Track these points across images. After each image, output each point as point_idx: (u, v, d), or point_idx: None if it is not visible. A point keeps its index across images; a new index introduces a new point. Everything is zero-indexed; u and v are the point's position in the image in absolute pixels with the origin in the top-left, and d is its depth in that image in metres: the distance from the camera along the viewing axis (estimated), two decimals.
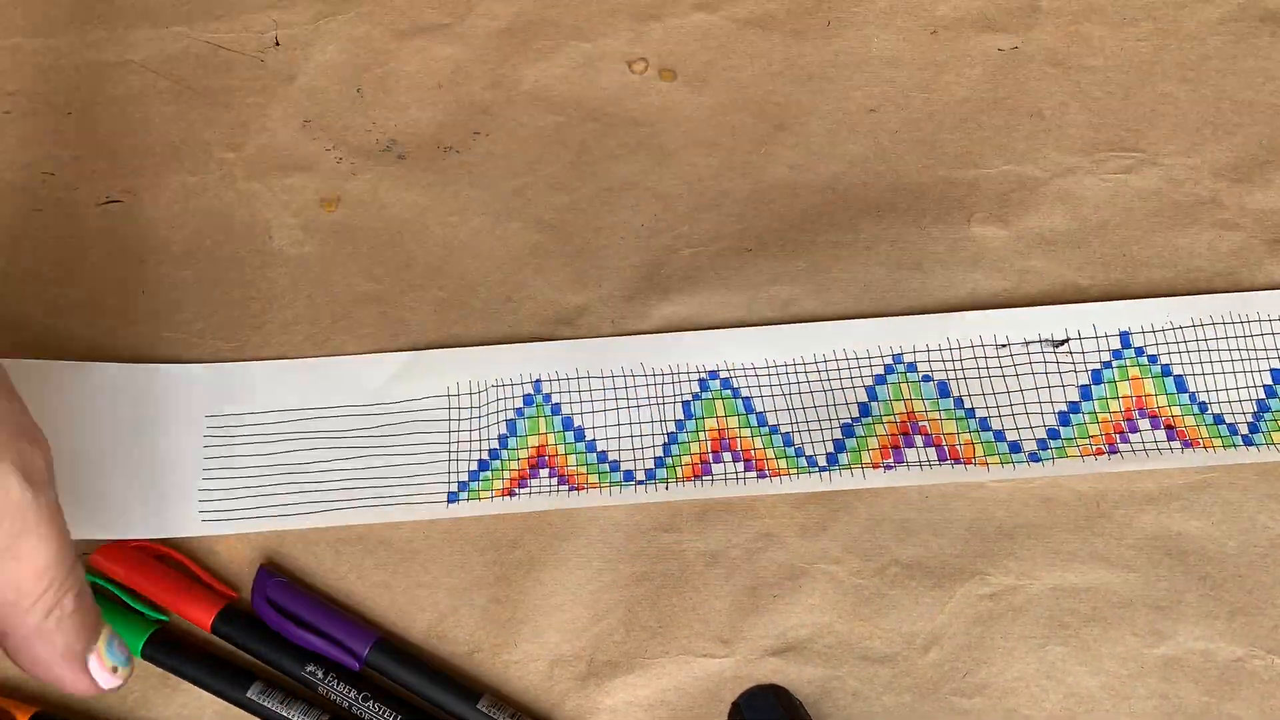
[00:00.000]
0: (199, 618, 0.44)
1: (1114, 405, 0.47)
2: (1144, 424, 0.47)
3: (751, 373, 0.48)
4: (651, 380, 0.48)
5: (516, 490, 0.46)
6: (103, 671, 0.36)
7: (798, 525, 0.46)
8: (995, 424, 0.47)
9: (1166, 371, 0.48)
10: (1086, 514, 0.46)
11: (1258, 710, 0.43)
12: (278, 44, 0.54)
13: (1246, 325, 0.48)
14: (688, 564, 0.45)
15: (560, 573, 0.45)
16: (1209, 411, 0.47)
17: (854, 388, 0.48)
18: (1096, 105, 0.52)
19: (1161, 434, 0.47)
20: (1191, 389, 0.47)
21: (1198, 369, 0.48)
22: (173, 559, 0.45)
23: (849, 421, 0.47)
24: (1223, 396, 0.47)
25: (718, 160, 0.52)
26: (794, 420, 0.47)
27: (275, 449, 0.47)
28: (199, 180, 0.51)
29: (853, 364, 0.48)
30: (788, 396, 0.47)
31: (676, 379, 0.48)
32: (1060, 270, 0.50)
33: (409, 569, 0.45)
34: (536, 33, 0.54)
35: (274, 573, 0.44)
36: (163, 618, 0.44)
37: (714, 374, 0.48)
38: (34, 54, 0.54)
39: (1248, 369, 0.48)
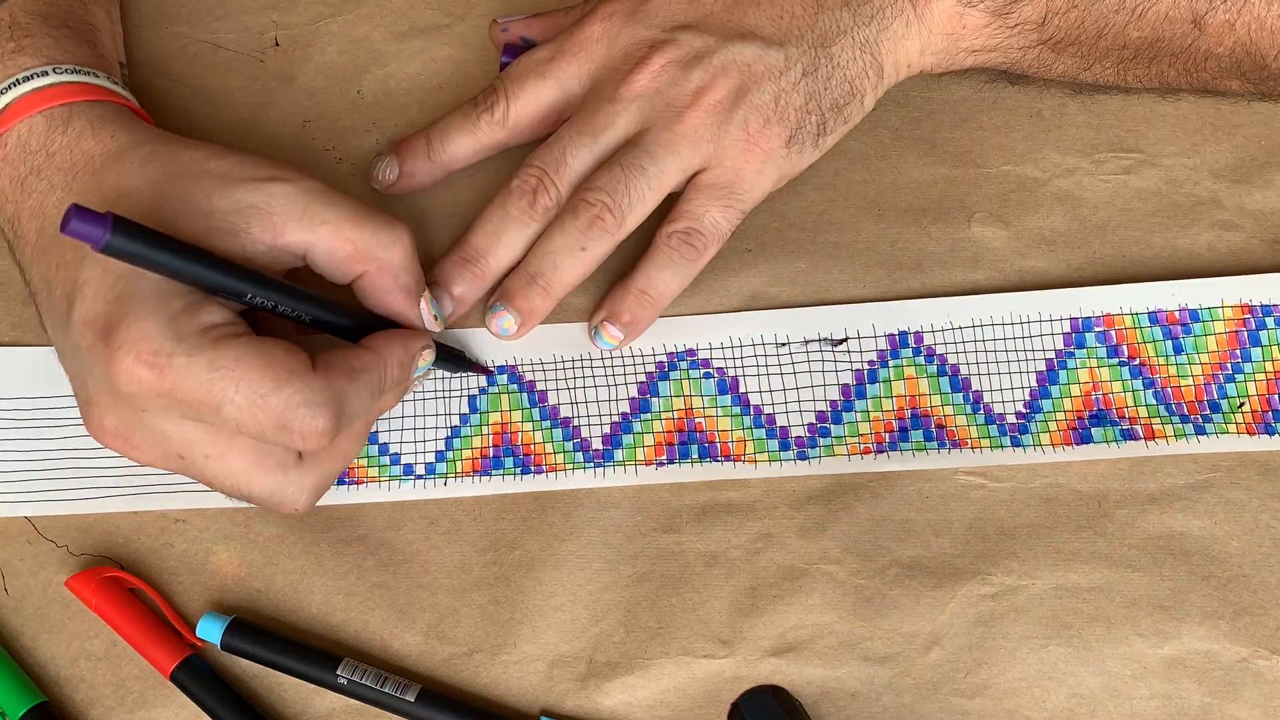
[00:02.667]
0: (160, 663, 0.43)
1: (887, 405, 0.47)
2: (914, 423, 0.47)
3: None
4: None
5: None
6: (426, 313, 0.45)
7: (798, 525, 0.46)
8: (768, 419, 0.47)
9: (942, 371, 0.48)
10: (1088, 514, 0.46)
11: (1261, 711, 0.43)
12: (277, 44, 0.54)
13: (1025, 325, 0.48)
14: (688, 564, 0.45)
15: (560, 573, 0.45)
16: (980, 411, 0.47)
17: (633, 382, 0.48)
18: (1096, 105, 0.52)
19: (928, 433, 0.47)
20: (965, 389, 0.47)
21: (974, 369, 0.48)
22: (145, 593, 0.45)
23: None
24: (996, 397, 0.47)
25: None
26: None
27: None
28: None
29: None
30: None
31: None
32: (1060, 270, 0.50)
33: (409, 569, 0.45)
34: None
35: None
36: (41, 699, 0.43)
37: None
38: None
39: (1023, 369, 0.48)
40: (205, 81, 0.53)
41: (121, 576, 0.44)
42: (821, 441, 0.47)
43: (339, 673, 0.43)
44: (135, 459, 0.40)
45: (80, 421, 0.46)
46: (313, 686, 0.44)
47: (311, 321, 0.42)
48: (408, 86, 0.53)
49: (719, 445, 0.47)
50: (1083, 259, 0.50)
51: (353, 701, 0.43)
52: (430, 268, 0.48)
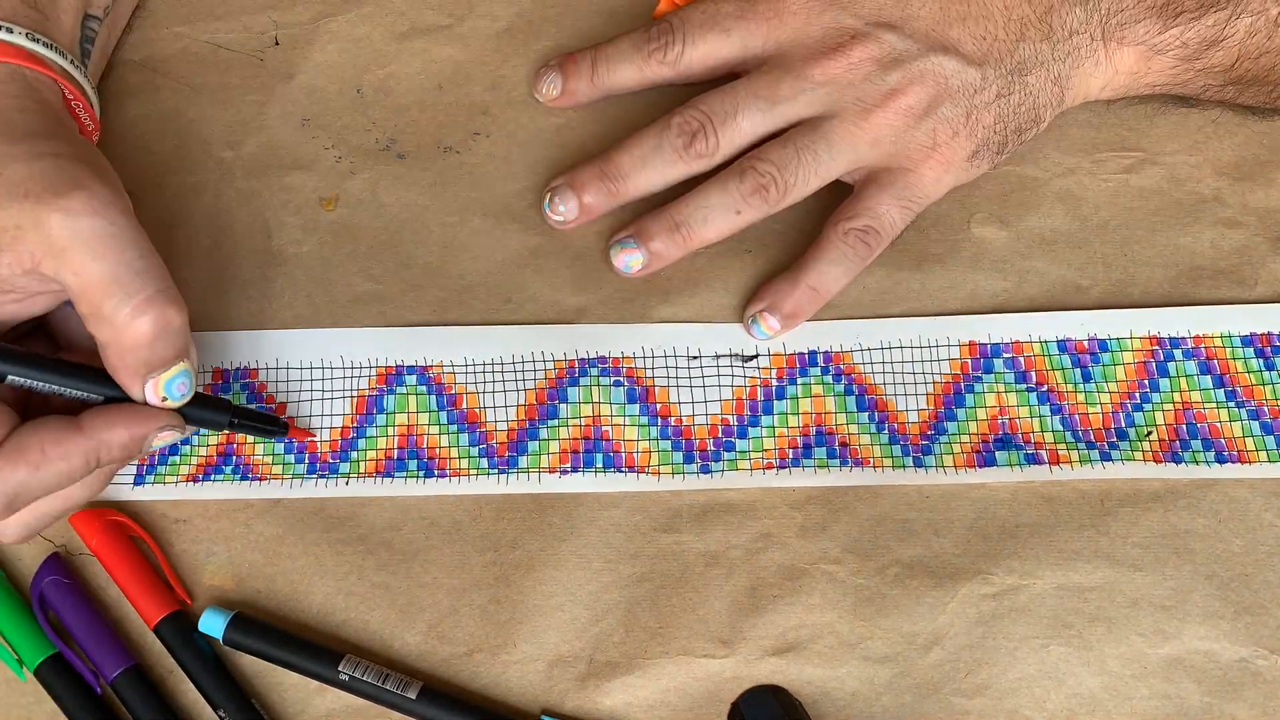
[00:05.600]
0: (148, 613, 0.44)
1: (793, 421, 0.47)
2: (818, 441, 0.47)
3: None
4: (338, 373, 0.48)
5: (200, 477, 0.46)
6: (154, 396, 0.41)
7: (798, 525, 0.46)
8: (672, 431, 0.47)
9: (849, 390, 0.48)
10: (1091, 512, 0.46)
11: (1260, 710, 0.43)
12: (277, 43, 0.54)
13: (934, 350, 0.48)
14: (688, 564, 0.45)
15: (560, 573, 0.45)
16: (884, 431, 0.47)
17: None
18: (1097, 104, 0.52)
19: (833, 450, 0.47)
20: (872, 409, 0.47)
21: (882, 390, 0.48)
22: (145, 543, 0.45)
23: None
24: (902, 418, 0.47)
25: None
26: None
27: None
28: (198, 180, 0.51)
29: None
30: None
31: (357, 373, 0.48)
32: (1061, 270, 0.50)
33: (409, 569, 0.45)
34: (536, 33, 0.54)
35: (57, 569, 0.44)
36: (54, 650, 0.43)
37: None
38: None
39: (930, 391, 0.48)
40: (205, 80, 0.53)
41: (125, 522, 0.45)
42: (725, 456, 0.47)
43: (341, 669, 0.43)
44: None
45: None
46: (314, 685, 0.44)
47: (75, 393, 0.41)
48: (408, 86, 0.53)
49: (624, 455, 0.47)
50: (1084, 259, 0.50)
51: (354, 700, 0.43)
52: (568, 170, 0.49)
